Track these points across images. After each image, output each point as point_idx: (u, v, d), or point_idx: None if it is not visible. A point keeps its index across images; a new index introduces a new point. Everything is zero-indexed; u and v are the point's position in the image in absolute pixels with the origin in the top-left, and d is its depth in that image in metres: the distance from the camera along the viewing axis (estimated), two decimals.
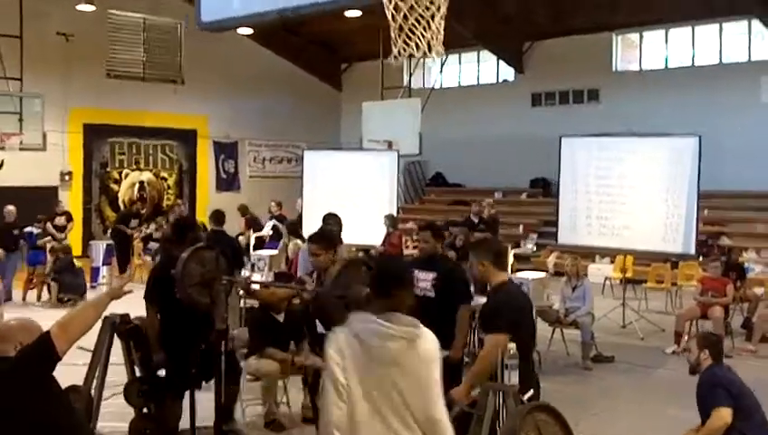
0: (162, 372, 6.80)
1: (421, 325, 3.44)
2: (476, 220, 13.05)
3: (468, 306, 6.65)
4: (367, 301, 3.52)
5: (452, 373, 6.41)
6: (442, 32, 6.57)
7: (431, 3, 6.49)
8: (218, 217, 9.00)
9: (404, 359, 3.33)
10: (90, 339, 4.87)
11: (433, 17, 6.47)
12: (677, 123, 16.07)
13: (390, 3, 6.53)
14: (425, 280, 6.53)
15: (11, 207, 14.14)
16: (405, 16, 6.46)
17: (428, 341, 3.44)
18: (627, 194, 12.56)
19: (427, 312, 6.21)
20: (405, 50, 6.45)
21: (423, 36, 6.46)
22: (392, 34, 6.54)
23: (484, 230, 12.87)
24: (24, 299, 13.96)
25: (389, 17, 6.54)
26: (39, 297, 13.97)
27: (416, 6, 6.46)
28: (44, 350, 3.93)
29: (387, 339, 3.30)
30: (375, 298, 3.46)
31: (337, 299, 5.13)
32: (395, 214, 15.61)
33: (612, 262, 17.20)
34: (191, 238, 6.68)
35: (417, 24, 6.47)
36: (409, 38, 6.47)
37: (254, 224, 17.59)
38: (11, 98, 17.50)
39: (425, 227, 6.92)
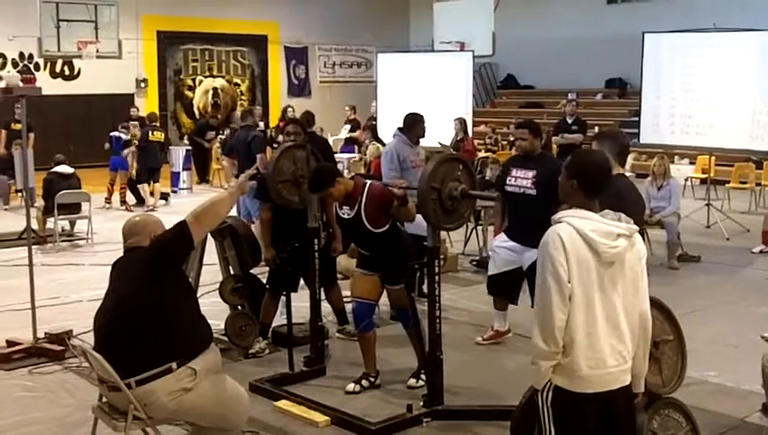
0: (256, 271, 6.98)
1: (631, 220, 3.36)
2: (570, 121, 12.81)
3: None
4: (570, 195, 3.40)
5: None
6: None
7: None
8: (309, 118, 9.00)
9: (626, 257, 3.29)
10: None
11: None
12: (759, 20, 15.37)
13: None
14: (524, 178, 6.47)
15: (258, 109, 14.04)
16: None
17: (639, 236, 3.39)
18: (712, 91, 12.17)
19: (529, 209, 6.30)
20: None
21: None
22: None
23: (577, 131, 12.61)
24: (108, 202, 14.29)
25: None
26: (123, 202, 14.27)
27: None
28: (182, 236, 4.08)
29: (615, 238, 3.25)
30: (584, 193, 3.36)
31: (431, 189, 5.13)
32: (470, 117, 15.46)
33: (692, 163, 16.85)
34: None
35: None
36: None
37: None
38: (86, 6, 17.61)
39: (522, 124, 6.79)
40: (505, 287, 6.72)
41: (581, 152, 3.99)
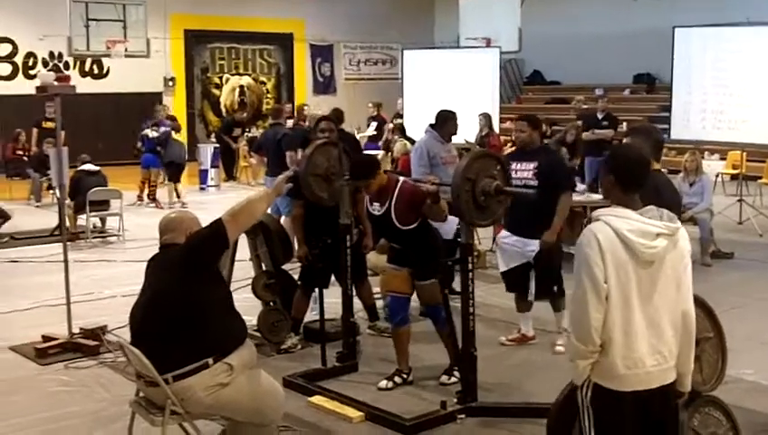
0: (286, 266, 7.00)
1: (675, 216, 3.29)
2: (601, 116, 12.74)
3: (569, 194, 6.61)
4: (609, 190, 3.34)
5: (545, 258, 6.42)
6: None
7: None
8: (338, 115, 9.00)
9: (667, 256, 3.23)
10: None
11: None
12: None
13: None
14: (525, 170, 6.43)
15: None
16: None
17: (684, 234, 3.32)
18: (744, 86, 12.06)
19: (529, 201, 6.22)
20: None
21: None
22: None
23: (608, 126, 12.54)
24: (140, 200, 14.40)
25: None
26: (153, 199, 14.37)
27: None
28: (218, 235, 4.09)
29: (654, 238, 3.18)
30: (622, 188, 3.28)
31: (465, 180, 5.11)
32: (497, 113, 15.39)
33: (722, 158, 16.70)
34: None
35: None
36: None
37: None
38: (114, 6, 17.72)
39: (521, 117, 6.79)
40: (518, 282, 6.68)
41: (619, 147, 3.97)
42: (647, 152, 4.15)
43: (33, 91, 7.17)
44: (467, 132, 13.54)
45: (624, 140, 5.83)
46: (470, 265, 5.32)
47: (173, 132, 14.43)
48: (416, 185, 5.89)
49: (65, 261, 6.90)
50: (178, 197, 14.40)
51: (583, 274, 3.20)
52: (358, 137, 15.85)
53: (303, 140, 8.47)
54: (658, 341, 3.25)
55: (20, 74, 19.49)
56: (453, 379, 5.79)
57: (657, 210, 3.27)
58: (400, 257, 5.81)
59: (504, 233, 6.72)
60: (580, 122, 12.79)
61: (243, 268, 7.20)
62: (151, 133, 14.39)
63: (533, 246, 6.44)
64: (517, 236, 6.53)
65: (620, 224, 3.20)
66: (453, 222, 6.32)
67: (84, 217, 11.16)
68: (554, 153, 7.20)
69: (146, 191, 14.48)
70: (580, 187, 10.02)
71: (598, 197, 9.51)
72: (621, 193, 3.30)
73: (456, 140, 11.51)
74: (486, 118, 13.89)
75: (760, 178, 14.43)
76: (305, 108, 16.16)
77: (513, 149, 7.15)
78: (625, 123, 19.81)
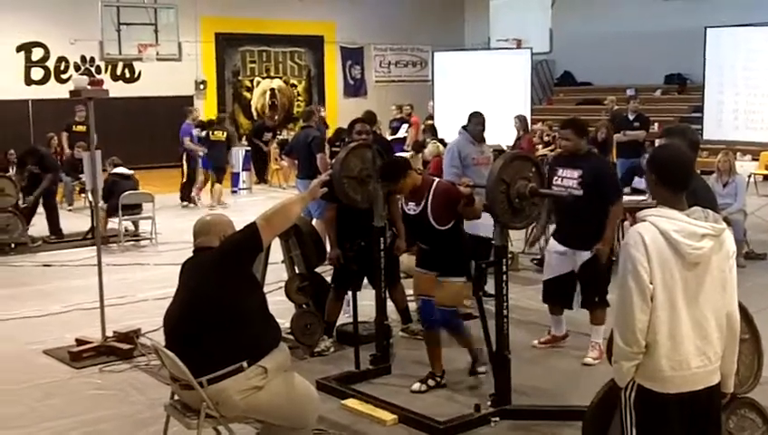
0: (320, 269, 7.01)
1: (720, 217, 3.28)
2: (632, 117, 12.67)
3: (619, 204, 6.48)
4: (654, 190, 3.32)
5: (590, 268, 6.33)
6: None
7: None
8: (371, 117, 9.02)
9: (713, 257, 3.21)
10: None
11: None
12: None
13: None
14: (570, 178, 6.32)
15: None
16: None
17: (729, 235, 3.30)
18: None
19: (575, 209, 6.16)
20: None
21: None
22: None
23: (639, 127, 12.45)
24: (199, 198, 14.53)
25: None
26: (192, 200, 14.48)
27: None
28: (252, 238, 4.11)
29: (700, 239, 3.17)
30: (665, 188, 3.26)
31: (500, 182, 5.09)
32: (529, 115, 15.35)
33: (755, 159, 16.50)
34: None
35: None
36: None
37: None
38: (146, 10, 17.90)
39: (566, 125, 6.66)
40: (560, 292, 6.60)
41: (660, 146, 3.93)
42: (688, 152, 4.12)
43: (66, 96, 7.21)
44: (499, 134, 13.52)
45: (657, 141, 5.77)
46: (504, 268, 5.30)
47: (211, 134, 14.51)
48: (451, 184, 5.89)
49: (99, 264, 6.93)
50: (212, 197, 14.47)
51: (629, 275, 3.18)
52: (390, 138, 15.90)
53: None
54: (704, 342, 3.23)
55: (52, 78, 19.67)
56: (481, 376, 5.88)
57: (703, 211, 3.24)
58: (428, 260, 5.81)
59: (552, 243, 6.65)
60: (614, 120, 12.70)
61: (275, 271, 7.22)
62: (198, 134, 14.51)
63: (583, 255, 6.33)
64: (566, 247, 6.44)
65: (667, 225, 3.18)
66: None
67: (116, 220, 11.23)
68: (601, 160, 7.06)
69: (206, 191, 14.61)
70: None
71: (629, 198, 9.45)
72: (665, 193, 3.27)
73: (491, 142, 11.53)
74: (521, 120, 13.85)
75: None
76: (322, 110, 16.21)
77: (559, 152, 7.05)
78: (656, 124, 19.80)
